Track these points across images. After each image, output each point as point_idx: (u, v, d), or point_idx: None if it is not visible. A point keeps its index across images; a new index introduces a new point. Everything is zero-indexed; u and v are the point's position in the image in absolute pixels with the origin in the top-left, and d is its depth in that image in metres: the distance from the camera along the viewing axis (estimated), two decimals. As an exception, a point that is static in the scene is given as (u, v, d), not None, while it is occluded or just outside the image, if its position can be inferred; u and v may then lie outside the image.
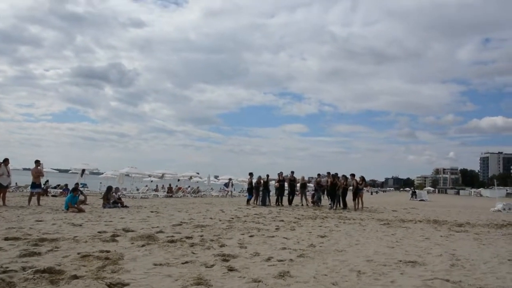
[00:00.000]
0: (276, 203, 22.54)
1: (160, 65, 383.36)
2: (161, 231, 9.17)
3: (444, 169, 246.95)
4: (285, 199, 23.81)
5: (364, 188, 24.21)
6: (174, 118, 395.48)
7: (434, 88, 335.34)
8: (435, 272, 5.95)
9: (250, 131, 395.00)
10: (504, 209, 24.42)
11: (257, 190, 22.74)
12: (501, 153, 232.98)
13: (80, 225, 10.01)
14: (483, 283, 5.38)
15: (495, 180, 77.29)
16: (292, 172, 24.40)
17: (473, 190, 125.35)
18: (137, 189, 33.82)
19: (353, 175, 21.40)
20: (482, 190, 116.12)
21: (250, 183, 23.16)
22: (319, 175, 24.24)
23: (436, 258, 7.18)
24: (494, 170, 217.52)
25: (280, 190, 23.27)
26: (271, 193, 24.61)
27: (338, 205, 20.80)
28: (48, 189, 27.67)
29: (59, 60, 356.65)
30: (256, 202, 22.38)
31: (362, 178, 21.82)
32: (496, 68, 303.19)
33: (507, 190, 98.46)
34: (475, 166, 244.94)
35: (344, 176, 21.32)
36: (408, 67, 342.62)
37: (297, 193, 26.92)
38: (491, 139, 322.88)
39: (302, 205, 23.01)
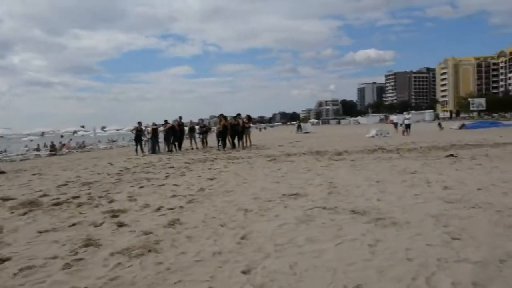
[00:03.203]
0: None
1: (24, 10, 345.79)
2: (45, 195, 8.66)
3: (326, 101, 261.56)
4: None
5: (252, 125, 24.97)
6: (49, 68, 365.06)
7: (313, 24, 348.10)
8: (314, 201, 6.51)
9: (135, 77, 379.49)
10: (377, 134, 26.89)
11: (138, 138, 22.30)
12: (375, 83, 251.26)
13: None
14: (354, 205, 6.03)
15: (369, 109, 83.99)
16: (180, 117, 24.20)
17: (352, 119, 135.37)
18: (5, 151, 31.01)
19: (239, 115, 21.86)
20: (360, 118, 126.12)
21: (138, 131, 22.63)
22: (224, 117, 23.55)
23: (316, 188, 7.82)
24: (369, 99, 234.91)
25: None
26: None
27: (227, 146, 21.31)
28: None
29: None
30: (142, 150, 22.01)
31: (248, 117, 22.43)
32: (368, 4, 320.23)
33: (380, 117, 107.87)
34: (353, 97, 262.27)
35: (233, 116, 21.73)
36: (288, 3, 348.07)
37: (186, 136, 26.84)
38: (365, 70, 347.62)
39: (192, 148, 23.14)
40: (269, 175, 10.09)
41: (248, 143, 21.77)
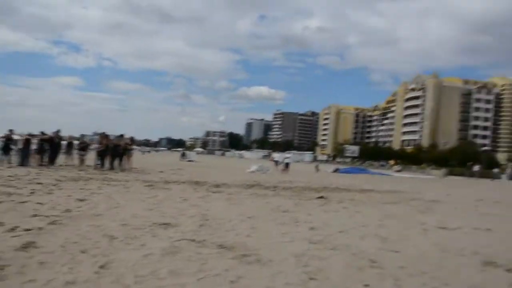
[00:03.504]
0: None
1: None
2: None
3: (214, 132, 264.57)
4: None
5: (135, 147, 24.31)
6: None
7: (213, 54, 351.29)
8: (184, 233, 6.42)
9: (17, 80, 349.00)
10: (257, 170, 27.69)
11: (6, 147, 20.36)
12: (263, 120, 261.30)
13: None
14: (223, 240, 6.06)
15: (254, 144, 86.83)
16: (58, 131, 22.66)
17: (236, 152, 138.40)
18: None
19: (122, 135, 21.23)
20: (244, 152, 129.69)
21: (8, 140, 20.70)
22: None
23: (189, 219, 7.73)
24: (256, 135, 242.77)
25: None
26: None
27: (105, 166, 20.42)
28: None
29: None
30: (9, 161, 20.13)
31: (131, 139, 21.88)
32: (267, 43, 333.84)
33: (264, 153, 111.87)
34: (241, 130, 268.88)
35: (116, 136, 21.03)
36: (191, 30, 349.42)
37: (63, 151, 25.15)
38: (256, 106, 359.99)
39: (67, 165, 21.75)
40: (144, 201, 9.79)
41: (128, 166, 21.06)
